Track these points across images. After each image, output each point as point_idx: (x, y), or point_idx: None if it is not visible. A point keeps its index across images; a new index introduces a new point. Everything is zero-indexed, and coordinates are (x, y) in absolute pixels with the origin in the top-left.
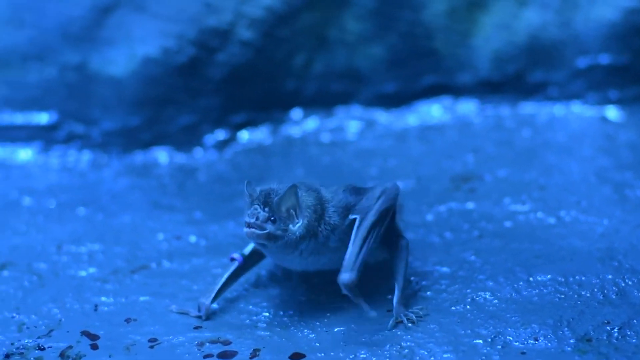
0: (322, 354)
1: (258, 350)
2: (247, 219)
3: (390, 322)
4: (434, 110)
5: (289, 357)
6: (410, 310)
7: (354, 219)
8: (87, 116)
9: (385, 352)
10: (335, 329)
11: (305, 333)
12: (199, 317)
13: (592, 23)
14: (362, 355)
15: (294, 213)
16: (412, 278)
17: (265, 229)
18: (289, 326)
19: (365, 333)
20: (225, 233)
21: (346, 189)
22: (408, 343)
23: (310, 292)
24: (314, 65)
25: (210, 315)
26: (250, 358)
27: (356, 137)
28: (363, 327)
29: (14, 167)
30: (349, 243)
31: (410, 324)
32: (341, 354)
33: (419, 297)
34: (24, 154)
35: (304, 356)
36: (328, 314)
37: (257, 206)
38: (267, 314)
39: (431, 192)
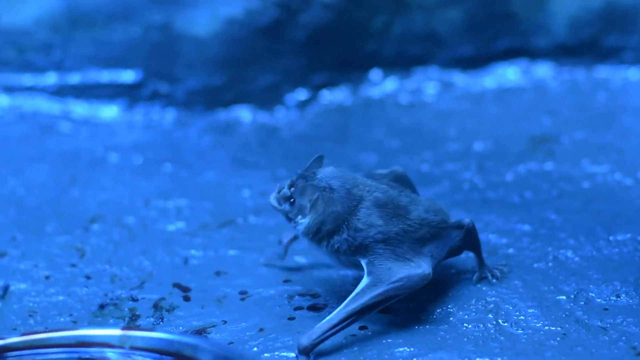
0: (411, 305)
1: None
2: (276, 188)
3: (474, 277)
4: (510, 73)
5: (378, 310)
6: (494, 267)
7: (361, 266)
8: (171, 75)
9: (472, 307)
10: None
11: None
12: (279, 255)
13: None
14: (448, 309)
15: (307, 208)
16: (494, 236)
17: (280, 205)
18: None
19: (451, 288)
20: None
21: (386, 232)
22: (493, 298)
23: None
24: (393, 28)
25: (299, 269)
26: None
27: (434, 99)
28: (450, 282)
29: (100, 124)
30: (348, 267)
31: (494, 280)
32: (429, 308)
33: (502, 254)
34: (109, 111)
35: (392, 310)
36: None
37: (290, 182)
38: None
39: (509, 153)
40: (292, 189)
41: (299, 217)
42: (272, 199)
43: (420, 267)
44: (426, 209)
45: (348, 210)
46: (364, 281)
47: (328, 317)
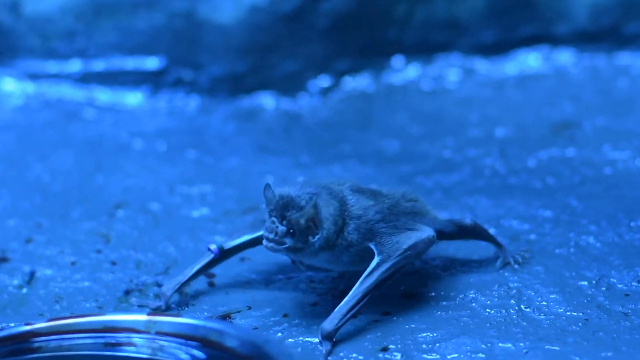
0: (433, 294)
1: None
2: (265, 234)
3: (498, 263)
4: (532, 60)
5: (401, 296)
6: (517, 252)
7: (372, 250)
8: (195, 62)
9: (494, 292)
10: (444, 270)
11: (416, 277)
12: (158, 307)
13: None
14: (471, 295)
15: (313, 225)
16: (516, 221)
17: (284, 244)
18: None
19: (473, 274)
20: (332, 176)
21: (380, 211)
22: (515, 284)
23: None
24: (415, 14)
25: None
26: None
27: (456, 85)
28: (470, 268)
29: (124, 111)
30: (363, 260)
31: (517, 266)
32: (451, 294)
33: (524, 240)
34: (133, 98)
35: (415, 295)
36: (438, 258)
37: (274, 219)
38: None
39: (531, 139)
40: (285, 222)
41: (310, 237)
42: (270, 245)
43: (425, 232)
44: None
45: (342, 203)
46: (376, 259)
47: (345, 300)
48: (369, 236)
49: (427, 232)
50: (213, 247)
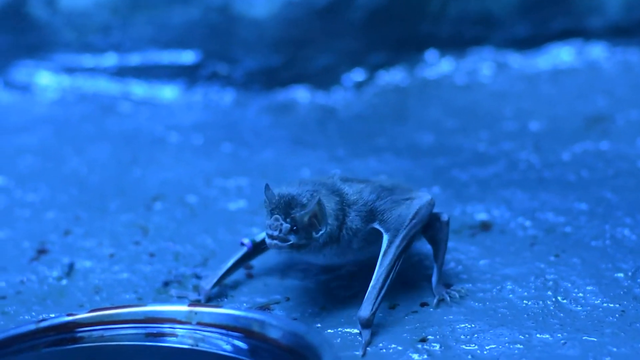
0: (470, 285)
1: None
2: (269, 231)
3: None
4: (564, 54)
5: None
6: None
7: (379, 230)
8: (230, 56)
9: (530, 284)
10: (481, 262)
11: (452, 266)
12: (198, 301)
13: None
14: (508, 287)
15: (316, 221)
16: (551, 214)
17: (288, 241)
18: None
19: (510, 266)
20: (367, 169)
21: (374, 190)
22: (552, 276)
23: None
24: (449, 9)
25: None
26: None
27: (489, 79)
28: (506, 260)
29: (159, 104)
30: (371, 243)
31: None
32: (488, 286)
33: (559, 232)
34: (169, 91)
35: (450, 286)
36: (472, 247)
37: (278, 216)
38: None
39: (565, 132)
40: (289, 219)
41: (313, 232)
42: (274, 243)
43: (423, 197)
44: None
45: (338, 194)
46: (385, 238)
47: (371, 285)
48: (371, 217)
49: (425, 196)
50: (246, 241)
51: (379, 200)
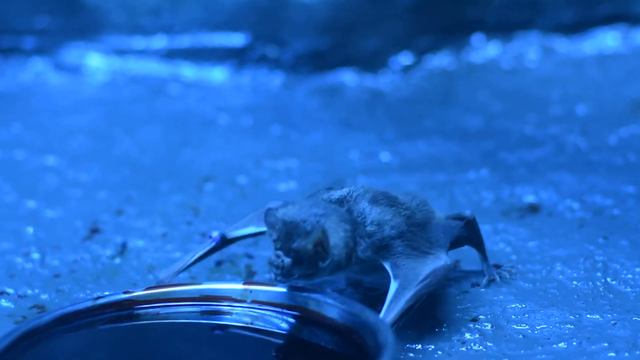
0: (520, 266)
1: (457, 261)
2: (272, 267)
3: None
4: (610, 39)
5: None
6: (503, 269)
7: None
8: (278, 38)
9: (580, 265)
10: (530, 243)
11: (501, 247)
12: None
13: None
14: (557, 268)
15: (322, 250)
16: (599, 197)
17: (293, 274)
18: None
19: (559, 248)
20: (416, 152)
21: (398, 225)
22: (601, 257)
23: None
24: None
25: None
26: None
27: (536, 64)
28: (556, 241)
29: (209, 87)
30: (374, 272)
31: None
32: (538, 267)
33: (607, 215)
34: (218, 74)
35: (500, 266)
36: (521, 229)
37: (279, 253)
38: None
39: (612, 116)
40: (291, 254)
41: (320, 262)
42: (278, 279)
43: (441, 259)
44: (403, 194)
45: (351, 222)
46: (393, 286)
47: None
48: (384, 253)
49: (443, 259)
50: (215, 234)
51: (399, 239)
